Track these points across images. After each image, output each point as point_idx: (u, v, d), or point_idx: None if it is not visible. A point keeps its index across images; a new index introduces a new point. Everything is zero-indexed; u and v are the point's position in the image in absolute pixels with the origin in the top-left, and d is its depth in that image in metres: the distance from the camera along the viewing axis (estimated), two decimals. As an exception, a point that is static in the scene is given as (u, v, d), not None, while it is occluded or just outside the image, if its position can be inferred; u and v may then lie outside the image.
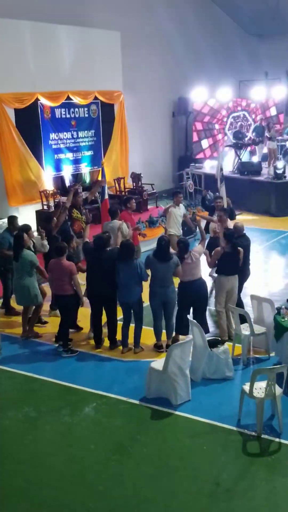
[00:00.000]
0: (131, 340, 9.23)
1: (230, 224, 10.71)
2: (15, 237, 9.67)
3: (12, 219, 10.79)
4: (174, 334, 9.25)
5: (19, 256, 9.43)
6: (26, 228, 9.99)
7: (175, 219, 12.06)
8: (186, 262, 8.93)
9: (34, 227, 14.62)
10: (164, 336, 9.21)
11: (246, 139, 20.93)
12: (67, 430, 7.26)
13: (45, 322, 10.24)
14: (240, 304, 9.87)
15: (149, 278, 8.95)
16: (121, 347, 9.25)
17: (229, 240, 9.30)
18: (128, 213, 11.50)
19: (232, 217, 11.71)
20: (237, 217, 15.54)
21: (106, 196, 12.27)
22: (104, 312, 9.36)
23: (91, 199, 12.81)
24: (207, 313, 9.59)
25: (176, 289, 9.11)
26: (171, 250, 9.03)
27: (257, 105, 22.64)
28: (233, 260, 9.25)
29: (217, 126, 21.48)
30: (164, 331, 9.21)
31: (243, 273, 9.76)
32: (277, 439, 6.86)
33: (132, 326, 9.27)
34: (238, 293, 9.84)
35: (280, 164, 18.31)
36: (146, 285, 9.06)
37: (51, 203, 15.27)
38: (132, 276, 8.85)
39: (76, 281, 8.95)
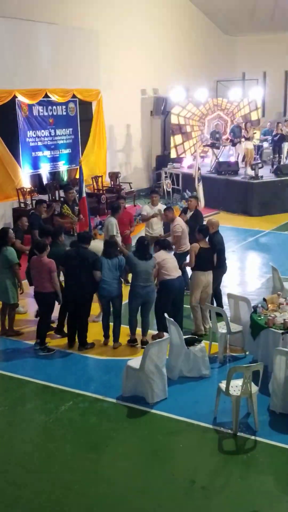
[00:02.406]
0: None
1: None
2: (0, 232, 9.65)
3: None
4: (156, 332, 9.31)
5: (0, 252, 9.38)
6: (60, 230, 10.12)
7: (149, 220, 11.94)
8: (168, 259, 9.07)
9: (11, 224, 14.70)
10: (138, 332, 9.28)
11: (224, 138, 21.00)
12: (43, 429, 7.22)
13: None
14: (219, 300, 9.96)
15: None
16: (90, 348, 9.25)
17: (204, 235, 9.38)
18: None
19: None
20: (215, 216, 15.65)
21: (84, 194, 12.22)
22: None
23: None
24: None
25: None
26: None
27: (234, 105, 22.71)
28: (209, 255, 9.33)
29: (194, 126, 21.49)
30: (138, 328, 9.27)
31: (221, 268, 9.87)
32: (252, 437, 6.90)
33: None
34: (218, 287, 9.90)
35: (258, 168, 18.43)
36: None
37: (28, 201, 15.21)
38: (113, 271, 8.97)
39: (54, 278, 8.91)
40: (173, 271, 9.04)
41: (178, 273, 9.14)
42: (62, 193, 16.12)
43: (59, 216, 11.84)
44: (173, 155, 20.89)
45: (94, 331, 9.45)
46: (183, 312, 9.42)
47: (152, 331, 9.42)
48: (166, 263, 8.99)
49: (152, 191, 12.84)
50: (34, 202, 15.11)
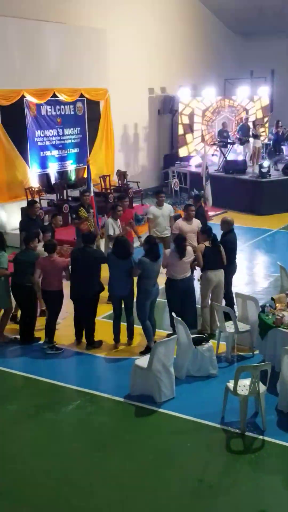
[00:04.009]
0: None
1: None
2: None
3: None
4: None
5: None
6: (37, 232, 9.99)
7: (156, 220, 11.84)
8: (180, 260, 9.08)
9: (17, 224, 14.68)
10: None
11: (232, 137, 20.95)
12: (51, 427, 7.24)
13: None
14: (231, 300, 9.87)
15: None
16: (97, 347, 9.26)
17: (208, 235, 9.37)
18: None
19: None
20: (223, 215, 15.61)
21: (92, 194, 12.22)
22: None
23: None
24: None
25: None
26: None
27: (242, 104, 22.66)
28: (215, 254, 9.31)
29: (202, 125, 21.46)
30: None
31: (231, 267, 9.81)
32: (260, 437, 6.89)
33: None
34: (229, 288, 9.85)
35: (265, 163, 18.33)
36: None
37: (36, 200, 15.22)
38: (125, 271, 8.98)
39: (68, 274, 9.03)
40: (179, 272, 9.11)
41: (184, 274, 9.16)
42: (70, 193, 16.21)
43: (77, 219, 11.83)
44: (184, 153, 20.87)
45: (102, 330, 9.46)
46: (195, 312, 9.42)
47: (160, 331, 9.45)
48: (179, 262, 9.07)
49: (158, 191, 12.63)
50: (46, 202, 15.23)
